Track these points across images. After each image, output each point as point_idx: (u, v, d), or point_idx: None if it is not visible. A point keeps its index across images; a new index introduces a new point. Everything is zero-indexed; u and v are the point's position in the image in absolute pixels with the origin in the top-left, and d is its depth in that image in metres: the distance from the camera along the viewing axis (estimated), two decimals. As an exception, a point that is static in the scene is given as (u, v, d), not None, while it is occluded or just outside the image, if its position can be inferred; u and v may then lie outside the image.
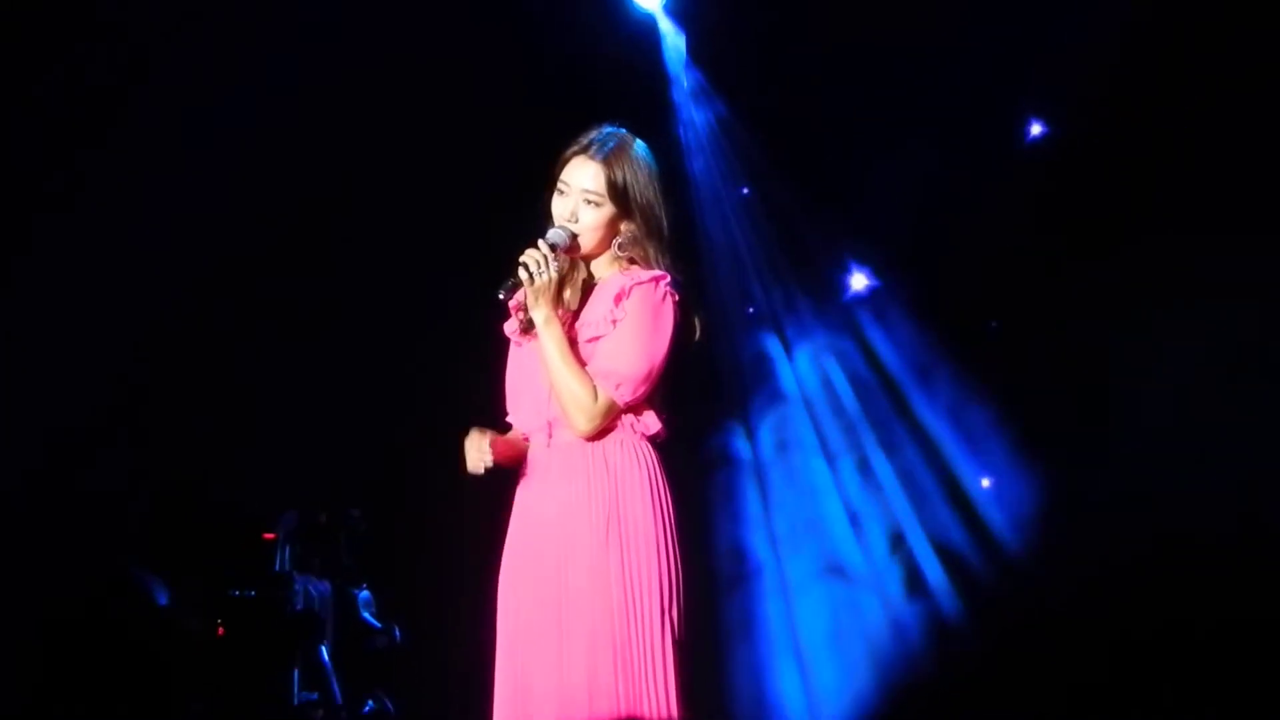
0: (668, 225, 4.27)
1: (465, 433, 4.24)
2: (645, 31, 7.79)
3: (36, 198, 7.29)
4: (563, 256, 4.21)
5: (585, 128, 4.29)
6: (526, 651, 4.15)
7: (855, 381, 8.03)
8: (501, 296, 4.22)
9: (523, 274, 4.14)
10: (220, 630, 6.48)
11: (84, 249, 7.27)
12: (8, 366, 7.24)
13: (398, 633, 6.94)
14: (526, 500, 4.25)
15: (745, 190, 7.99)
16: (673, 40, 7.78)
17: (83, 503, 7.30)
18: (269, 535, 6.71)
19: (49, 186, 7.29)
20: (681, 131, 7.90)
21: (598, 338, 4.20)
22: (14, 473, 7.22)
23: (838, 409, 8.04)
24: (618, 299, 4.19)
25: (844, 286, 8.04)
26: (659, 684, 4.09)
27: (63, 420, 7.34)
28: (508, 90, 7.53)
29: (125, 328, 7.35)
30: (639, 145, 4.30)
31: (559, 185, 4.26)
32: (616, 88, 7.34)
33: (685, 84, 7.85)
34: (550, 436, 4.23)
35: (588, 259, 4.30)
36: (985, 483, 7.88)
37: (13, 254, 7.25)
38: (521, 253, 4.17)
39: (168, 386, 7.49)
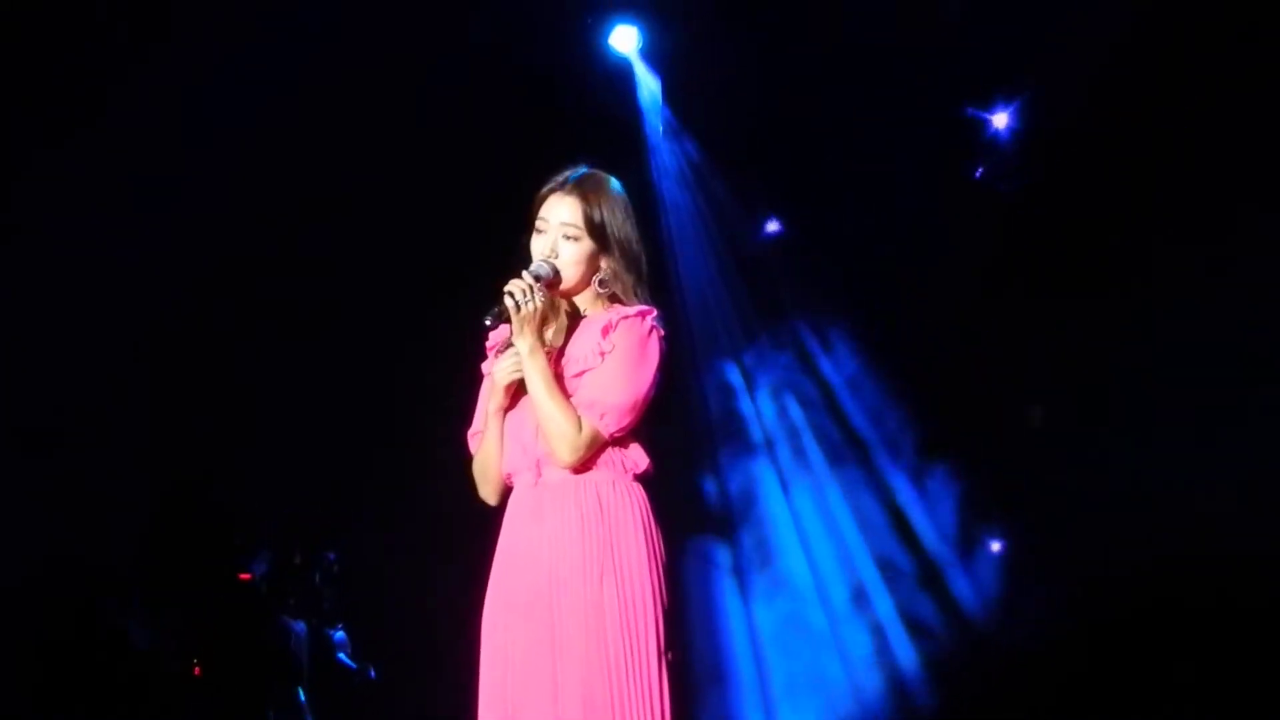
0: (645, 261, 4.26)
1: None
2: (621, 74, 7.82)
3: (37, 197, 7.29)
4: (545, 290, 4.18)
5: (562, 166, 4.27)
6: (518, 694, 4.09)
7: (819, 425, 8.05)
8: (488, 323, 4.19)
9: (509, 301, 4.10)
10: (197, 670, 6.51)
11: (84, 249, 7.28)
12: (7, 366, 7.25)
13: (373, 673, 6.98)
14: (514, 540, 4.18)
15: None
16: (647, 82, 7.82)
17: (83, 502, 7.33)
18: (244, 576, 6.73)
19: (49, 186, 7.29)
20: (654, 170, 7.93)
21: (584, 372, 4.16)
22: (13, 472, 7.24)
23: (801, 455, 8.05)
24: (604, 332, 4.16)
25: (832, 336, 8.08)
26: None
27: (63, 420, 7.36)
28: (494, 117, 7.55)
29: (125, 328, 7.36)
30: (613, 182, 4.28)
31: (537, 223, 4.24)
32: (593, 127, 7.36)
33: (659, 124, 7.88)
34: (539, 475, 4.17)
35: (569, 296, 4.27)
36: (995, 546, 7.94)
37: (13, 253, 7.26)
38: (505, 283, 4.15)
39: (168, 386, 7.51)
